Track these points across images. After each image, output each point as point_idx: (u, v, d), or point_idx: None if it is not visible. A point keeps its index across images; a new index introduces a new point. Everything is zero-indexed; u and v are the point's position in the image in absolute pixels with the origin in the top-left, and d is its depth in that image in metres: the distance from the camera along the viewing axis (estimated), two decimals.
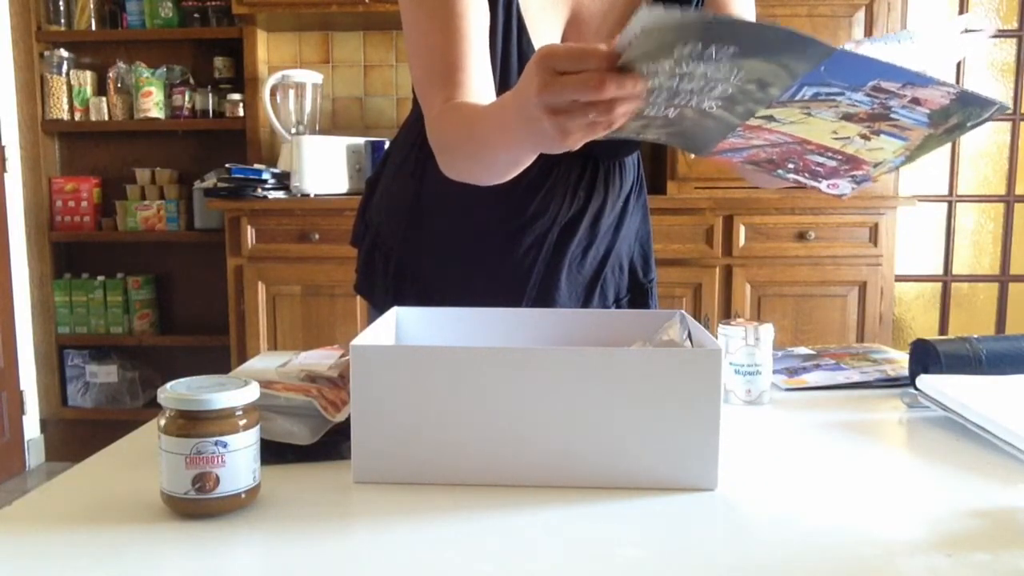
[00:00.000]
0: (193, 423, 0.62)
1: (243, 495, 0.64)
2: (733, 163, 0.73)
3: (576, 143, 0.65)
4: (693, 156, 0.87)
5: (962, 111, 0.59)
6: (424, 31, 0.94)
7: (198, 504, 0.63)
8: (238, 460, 0.63)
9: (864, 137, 0.64)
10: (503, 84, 0.98)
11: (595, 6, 1.04)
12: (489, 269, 1.10)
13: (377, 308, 1.17)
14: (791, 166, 0.71)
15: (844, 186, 0.72)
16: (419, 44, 0.94)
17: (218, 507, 0.63)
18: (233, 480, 0.63)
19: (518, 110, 0.69)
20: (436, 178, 1.07)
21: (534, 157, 0.82)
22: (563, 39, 1.04)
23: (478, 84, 0.93)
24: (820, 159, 0.68)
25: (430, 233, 1.11)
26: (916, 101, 0.58)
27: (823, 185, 0.73)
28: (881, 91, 0.58)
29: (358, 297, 1.25)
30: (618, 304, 1.19)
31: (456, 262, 1.11)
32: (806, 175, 0.72)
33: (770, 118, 0.62)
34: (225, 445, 0.63)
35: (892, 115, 0.60)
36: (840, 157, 0.68)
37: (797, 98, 0.59)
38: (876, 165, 0.68)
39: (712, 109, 0.63)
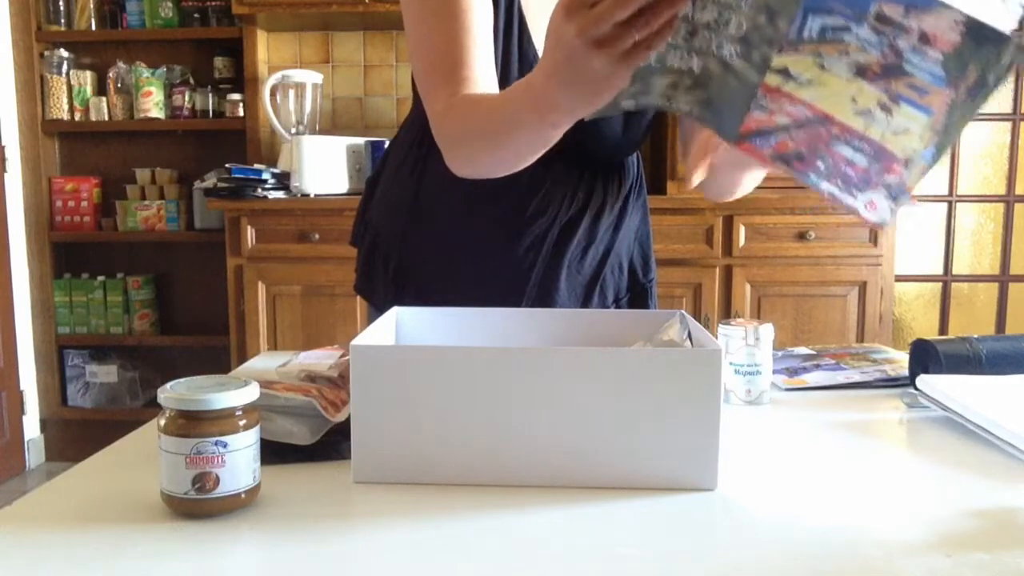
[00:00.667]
0: (193, 423, 0.62)
1: (243, 495, 0.64)
2: (763, 156, 0.72)
3: (625, 76, 0.65)
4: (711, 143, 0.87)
5: (977, 55, 0.57)
6: (429, 27, 0.93)
7: (198, 504, 0.63)
8: (238, 460, 0.63)
9: (885, 110, 0.63)
10: (503, 84, 0.98)
11: None
12: (489, 269, 1.10)
13: (377, 308, 1.17)
14: (821, 166, 0.70)
15: (882, 205, 0.70)
16: (422, 40, 0.94)
17: (218, 507, 0.63)
18: (233, 480, 0.63)
19: (556, 70, 0.68)
20: (436, 178, 1.07)
21: (560, 135, 0.81)
22: None
23: (483, 79, 0.92)
24: (848, 152, 0.67)
25: (430, 233, 1.11)
26: (925, 40, 0.58)
27: (861, 204, 0.71)
28: (887, 23, 0.57)
29: (358, 297, 1.25)
30: (618, 304, 1.19)
31: (456, 262, 1.11)
32: (839, 184, 0.71)
33: (786, 74, 0.62)
34: (225, 445, 0.63)
35: (906, 66, 0.60)
36: (868, 148, 0.67)
37: (805, 35, 0.59)
38: (907, 164, 0.67)
39: (732, 58, 0.63)
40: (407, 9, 0.96)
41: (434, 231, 1.11)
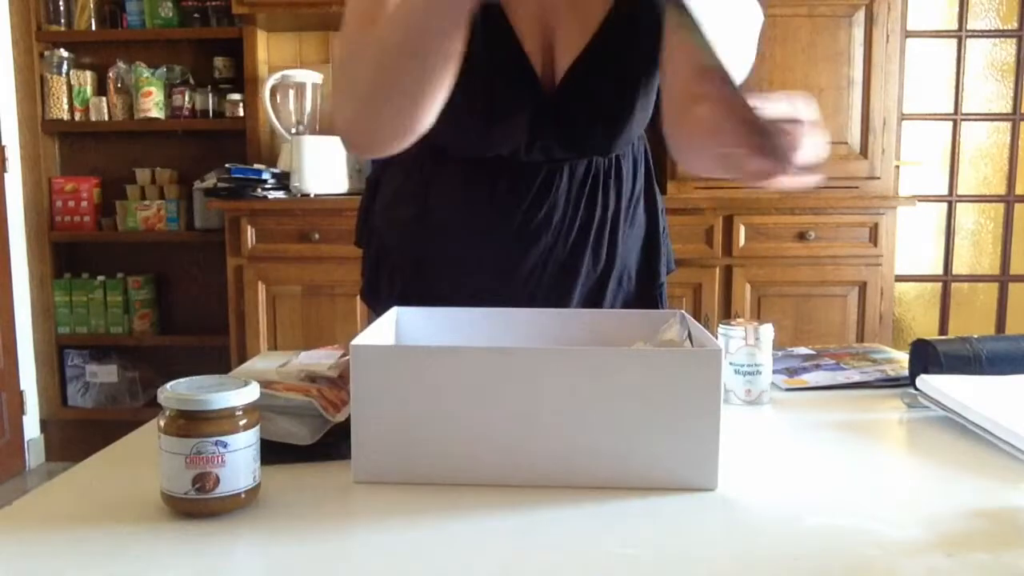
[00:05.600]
0: (193, 423, 0.62)
1: (243, 495, 0.64)
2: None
3: None
4: None
5: None
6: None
7: (198, 504, 0.63)
8: (238, 460, 0.63)
9: None
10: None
11: None
12: (495, 288, 1.08)
13: (378, 316, 1.17)
14: None
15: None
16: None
17: (218, 507, 0.63)
18: (233, 480, 0.63)
19: None
20: (441, 196, 1.07)
21: (460, 31, 0.78)
22: None
23: None
24: None
25: (437, 254, 1.11)
26: None
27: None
28: None
29: (358, 297, 1.26)
30: None
31: (463, 280, 1.10)
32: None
33: None
34: (225, 445, 0.63)
35: None
36: None
37: None
38: None
39: None
40: None
41: (441, 252, 1.11)
